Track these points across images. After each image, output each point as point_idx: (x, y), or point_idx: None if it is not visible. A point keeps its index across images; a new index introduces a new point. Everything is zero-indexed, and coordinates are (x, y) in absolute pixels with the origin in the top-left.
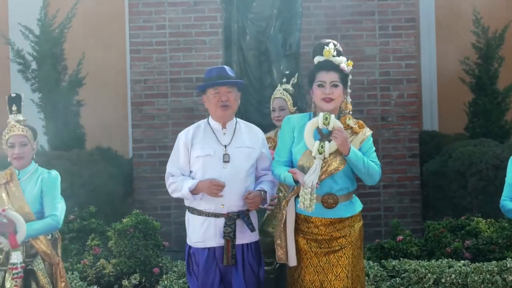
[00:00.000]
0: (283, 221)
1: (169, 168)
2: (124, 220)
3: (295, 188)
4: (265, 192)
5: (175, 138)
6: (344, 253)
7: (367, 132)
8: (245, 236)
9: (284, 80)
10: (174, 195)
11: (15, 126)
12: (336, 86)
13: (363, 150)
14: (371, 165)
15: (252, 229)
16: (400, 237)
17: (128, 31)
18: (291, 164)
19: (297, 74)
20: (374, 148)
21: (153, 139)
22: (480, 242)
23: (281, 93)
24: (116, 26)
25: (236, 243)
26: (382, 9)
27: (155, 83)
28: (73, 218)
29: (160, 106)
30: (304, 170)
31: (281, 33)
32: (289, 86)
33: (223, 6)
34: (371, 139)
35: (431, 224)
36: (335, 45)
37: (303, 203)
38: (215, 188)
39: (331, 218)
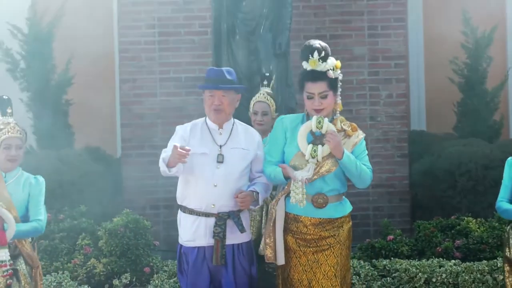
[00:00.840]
0: (272, 220)
1: (164, 154)
2: (115, 219)
3: (285, 187)
4: (257, 193)
5: (164, 138)
6: (333, 252)
7: (360, 135)
8: (236, 237)
9: (265, 82)
10: (164, 174)
11: (14, 128)
12: (325, 97)
13: (356, 153)
14: (363, 169)
15: (242, 230)
16: (390, 237)
17: (117, 30)
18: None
19: (274, 76)
20: (366, 152)
21: (142, 139)
22: (470, 242)
23: (265, 97)
24: (105, 25)
25: (227, 243)
26: (371, 9)
27: (144, 83)
28: (63, 218)
29: (149, 105)
30: (296, 170)
31: (271, 32)
32: (269, 89)
33: (212, 5)
34: (364, 142)
35: (421, 224)
36: (320, 52)
37: (295, 198)
38: (177, 152)
39: (320, 218)
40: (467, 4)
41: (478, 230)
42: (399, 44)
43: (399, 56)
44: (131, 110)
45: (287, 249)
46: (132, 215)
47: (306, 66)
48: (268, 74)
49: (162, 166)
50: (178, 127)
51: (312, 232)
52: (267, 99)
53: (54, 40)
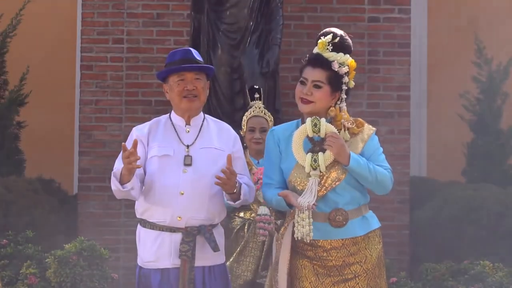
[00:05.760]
0: (278, 255)
1: (117, 165)
2: (66, 246)
3: (291, 213)
4: (240, 184)
5: None
6: (358, 283)
7: (369, 130)
8: (207, 257)
9: (257, 95)
10: (116, 195)
11: None
12: (318, 87)
13: (367, 154)
14: (378, 171)
15: (215, 248)
16: (393, 279)
17: (79, 44)
18: (284, 184)
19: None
20: (381, 149)
21: (103, 170)
22: None
23: (261, 111)
24: (67, 37)
25: (196, 264)
26: (373, 32)
27: (108, 105)
28: (6, 243)
29: (112, 131)
30: (296, 190)
31: (258, 48)
32: (261, 103)
33: (192, 14)
34: (376, 138)
35: (430, 267)
36: (334, 37)
37: (300, 232)
38: (126, 158)
39: (342, 239)
40: (480, 31)
41: (496, 276)
42: (403, 72)
43: (404, 86)
44: (91, 136)
45: (300, 278)
46: (87, 241)
47: (315, 49)
48: (257, 87)
49: (114, 183)
50: (133, 129)
51: (334, 257)
52: (265, 113)
53: (8, 52)
